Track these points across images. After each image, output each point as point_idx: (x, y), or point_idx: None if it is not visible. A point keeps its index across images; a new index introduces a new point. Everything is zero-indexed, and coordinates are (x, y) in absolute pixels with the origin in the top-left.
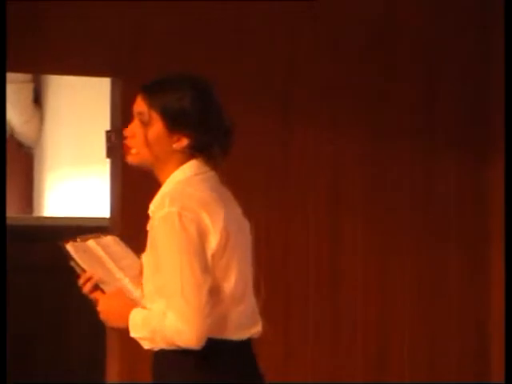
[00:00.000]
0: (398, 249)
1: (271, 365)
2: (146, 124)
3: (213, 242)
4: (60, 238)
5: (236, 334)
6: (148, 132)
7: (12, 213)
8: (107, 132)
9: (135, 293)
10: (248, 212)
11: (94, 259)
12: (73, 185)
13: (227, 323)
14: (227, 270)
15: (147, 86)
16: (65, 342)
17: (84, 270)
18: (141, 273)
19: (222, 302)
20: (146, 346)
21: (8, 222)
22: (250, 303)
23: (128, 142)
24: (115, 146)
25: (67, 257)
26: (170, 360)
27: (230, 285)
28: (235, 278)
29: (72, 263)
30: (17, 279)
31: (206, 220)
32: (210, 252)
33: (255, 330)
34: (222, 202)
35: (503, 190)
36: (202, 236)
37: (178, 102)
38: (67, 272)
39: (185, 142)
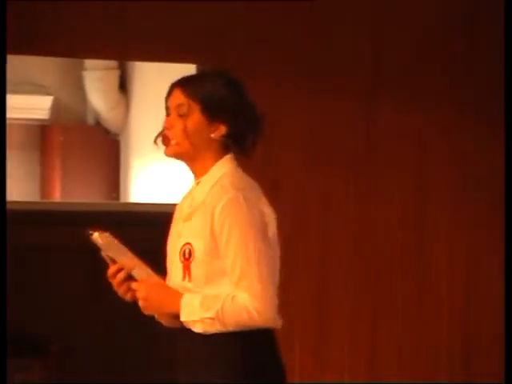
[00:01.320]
0: (488, 239)
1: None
2: (185, 115)
3: (270, 225)
4: (147, 223)
5: (278, 322)
6: (188, 123)
7: (98, 199)
8: None
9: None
10: (329, 195)
11: (118, 249)
12: (158, 171)
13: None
14: (275, 251)
15: (183, 79)
16: None
17: (114, 261)
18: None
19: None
20: (202, 329)
21: (95, 208)
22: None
23: (168, 133)
24: None
25: (96, 247)
26: (230, 342)
27: (276, 266)
28: (278, 261)
29: (102, 253)
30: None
31: (265, 208)
32: (269, 234)
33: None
34: (261, 193)
35: None
36: (263, 219)
37: (215, 92)
38: (152, 257)
39: (223, 130)
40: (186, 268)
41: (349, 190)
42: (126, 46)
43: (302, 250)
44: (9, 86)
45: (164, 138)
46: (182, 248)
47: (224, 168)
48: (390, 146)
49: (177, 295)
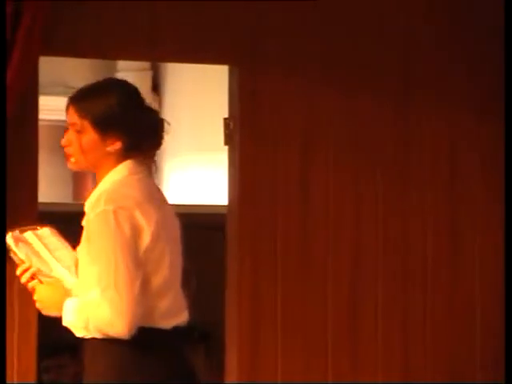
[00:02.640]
0: None
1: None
2: (79, 133)
3: (145, 238)
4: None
5: (163, 323)
6: (82, 140)
7: None
8: (225, 119)
9: (71, 282)
10: (357, 201)
11: (32, 250)
12: (191, 172)
13: (155, 313)
14: (158, 263)
15: (74, 96)
16: None
17: (22, 261)
18: (76, 263)
19: (151, 293)
20: (78, 333)
21: None
22: (178, 294)
23: (66, 150)
24: (233, 133)
25: (7, 248)
26: (100, 348)
27: (160, 277)
28: (165, 271)
29: (11, 254)
30: None
31: (140, 218)
32: (142, 248)
33: (181, 319)
34: (155, 200)
35: None
36: (135, 233)
37: (105, 108)
38: (186, 257)
39: (118, 144)
40: (76, 273)
41: (380, 195)
42: (159, 47)
43: (334, 254)
44: (41, 88)
45: (65, 154)
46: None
47: (117, 175)
48: (423, 152)
49: (64, 299)
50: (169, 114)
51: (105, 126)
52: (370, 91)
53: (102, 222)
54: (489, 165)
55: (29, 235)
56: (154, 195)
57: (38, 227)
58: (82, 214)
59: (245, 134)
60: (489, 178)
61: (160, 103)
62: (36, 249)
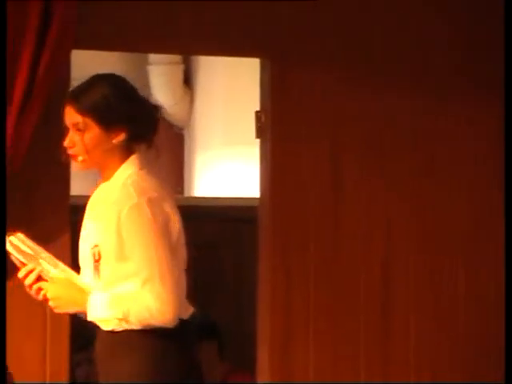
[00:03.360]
0: None
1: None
2: (82, 131)
3: (174, 228)
4: (210, 217)
5: (184, 314)
6: (86, 138)
7: None
8: (257, 112)
9: (79, 278)
10: (387, 192)
11: (27, 252)
12: (223, 165)
13: (181, 303)
14: (178, 253)
15: (73, 95)
16: None
17: (23, 263)
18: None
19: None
20: (109, 326)
21: None
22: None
23: (71, 151)
24: (265, 126)
25: (6, 252)
26: (135, 339)
27: (179, 267)
28: (181, 262)
29: (12, 257)
30: None
31: (167, 208)
32: (173, 238)
33: (191, 309)
34: (167, 191)
35: None
36: (167, 223)
37: (106, 102)
38: (218, 250)
39: (122, 135)
40: (96, 268)
41: (413, 190)
42: (190, 40)
43: (366, 244)
44: (74, 82)
45: (71, 155)
46: (92, 249)
47: (128, 170)
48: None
49: (85, 294)
50: (201, 107)
51: (108, 119)
52: (397, 89)
53: (137, 214)
54: None
55: (20, 237)
56: (164, 187)
57: (15, 232)
58: None
59: (276, 126)
60: None
61: (192, 96)
62: (31, 250)
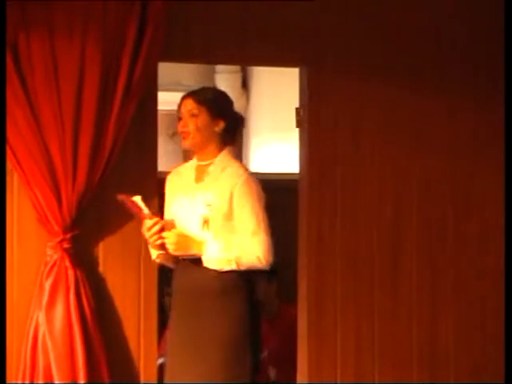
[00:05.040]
0: None
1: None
2: (196, 116)
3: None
4: (262, 188)
5: None
6: (198, 121)
7: None
8: (297, 109)
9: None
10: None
11: (146, 210)
12: (271, 148)
13: None
14: None
15: (191, 92)
16: None
17: (151, 216)
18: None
19: None
20: (220, 267)
21: None
22: None
23: (185, 130)
24: (302, 119)
25: (127, 207)
26: (239, 280)
27: None
28: None
29: (134, 212)
30: None
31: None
32: None
33: None
34: None
35: None
36: (264, 198)
37: (214, 98)
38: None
39: (222, 124)
40: (206, 222)
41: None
42: (245, 53)
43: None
44: (160, 86)
45: (183, 133)
46: (204, 208)
47: (228, 156)
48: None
49: (197, 241)
50: (254, 103)
51: (215, 110)
52: (414, 89)
53: (248, 186)
54: None
55: (139, 199)
56: None
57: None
58: None
59: (311, 119)
60: None
61: (248, 96)
62: (147, 209)
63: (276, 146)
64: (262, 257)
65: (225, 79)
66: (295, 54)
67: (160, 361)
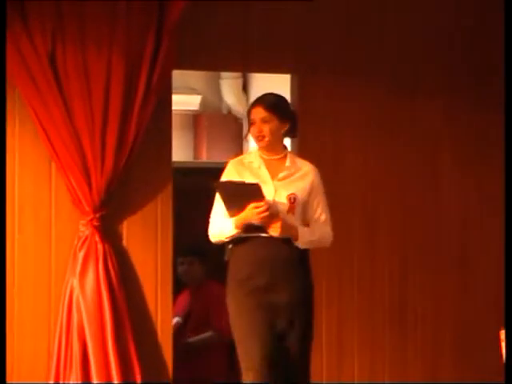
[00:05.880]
0: None
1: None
2: (267, 122)
3: None
4: None
5: None
6: (271, 126)
7: (229, 159)
8: None
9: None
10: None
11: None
12: None
13: None
14: None
15: (260, 101)
16: None
17: (262, 199)
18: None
19: None
20: (307, 246)
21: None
22: None
23: (261, 134)
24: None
25: (224, 193)
26: (306, 254)
27: None
28: None
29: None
30: None
31: None
32: None
33: None
34: None
35: None
36: None
37: (281, 104)
38: None
39: (288, 125)
40: (291, 209)
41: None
42: (244, 61)
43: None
44: (173, 89)
45: (258, 137)
46: (288, 196)
47: (289, 151)
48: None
49: (292, 225)
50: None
51: (282, 114)
52: (408, 92)
53: (320, 178)
54: None
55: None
56: None
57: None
58: (198, 169)
59: (301, 119)
60: None
61: (247, 99)
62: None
63: None
64: (330, 237)
65: (228, 84)
66: (286, 63)
67: (175, 320)
